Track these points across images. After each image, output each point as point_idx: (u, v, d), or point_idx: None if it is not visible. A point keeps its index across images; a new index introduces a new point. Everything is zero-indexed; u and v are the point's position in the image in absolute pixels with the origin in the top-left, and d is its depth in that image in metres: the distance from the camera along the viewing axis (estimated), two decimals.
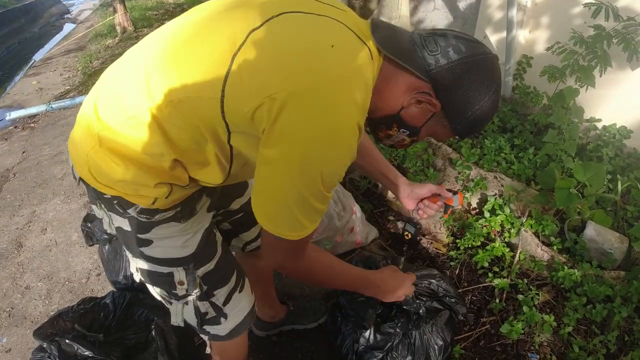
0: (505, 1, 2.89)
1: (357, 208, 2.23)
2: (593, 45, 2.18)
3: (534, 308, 1.82)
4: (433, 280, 1.79)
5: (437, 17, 3.45)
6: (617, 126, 2.60)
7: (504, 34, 2.93)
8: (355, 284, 1.24)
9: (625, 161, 2.50)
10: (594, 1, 2.15)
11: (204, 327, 1.18)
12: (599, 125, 2.68)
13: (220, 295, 1.15)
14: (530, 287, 1.99)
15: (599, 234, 2.11)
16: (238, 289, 1.20)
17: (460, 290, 2.05)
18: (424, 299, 1.74)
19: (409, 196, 1.35)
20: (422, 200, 1.36)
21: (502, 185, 2.36)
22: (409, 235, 1.52)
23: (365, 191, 2.68)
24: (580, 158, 2.58)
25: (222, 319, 1.18)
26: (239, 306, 1.21)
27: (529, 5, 2.72)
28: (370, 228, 2.36)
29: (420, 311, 1.68)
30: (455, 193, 1.36)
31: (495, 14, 2.96)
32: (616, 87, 2.51)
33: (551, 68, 2.43)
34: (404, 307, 1.69)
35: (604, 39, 2.14)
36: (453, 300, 1.77)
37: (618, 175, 2.29)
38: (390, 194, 2.56)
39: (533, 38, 2.88)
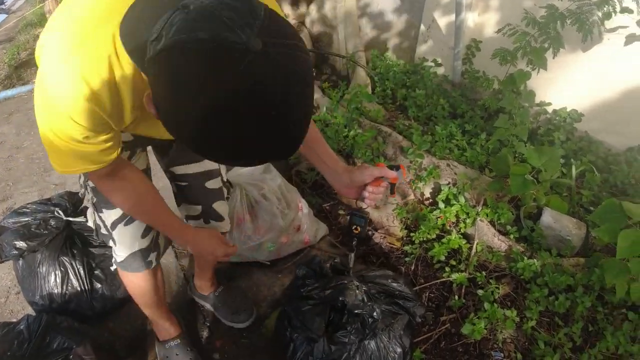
0: None
1: (303, 204, 2.01)
2: (546, 26, 2.08)
3: (495, 304, 1.69)
4: (387, 282, 1.62)
5: (383, 0, 3.30)
6: (568, 110, 2.55)
7: (453, 17, 2.81)
8: (165, 227, 1.24)
9: (577, 145, 2.45)
10: None
11: (102, 240, 1.31)
12: (549, 109, 2.63)
13: (107, 217, 1.23)
14: (490, 280, 1.86)
15: (556, 221, 2.02)
16: (124, 222, 1.23)
17: (417, 288, 1.88)
18: (380, 302, 1.55)
19: (350, 185, 1.19)
20: (365, 186, 1.20)
21: (456, 174, 2.23)
22: (358, 228, 1.34)
23: (312, 184, 2.46)
24: (531, 143, 2.50)
25: (112, 243, 1.28)
26: (123, 241, 1.27)
27: None
28: (319, 224, 2.15)
29: (375, 314, 1.49)
30: (397, 168, 1.22)
31: None
32: (566, 70, 2.45)
33: (502, 50, 2.32)
34: (356, 311, 1.49)
35: (557, 20, 2.05)
36: (410, 302, 1.60)
37: (572, 160, 2.22)
38: None
39: (482, 21, 2.79)
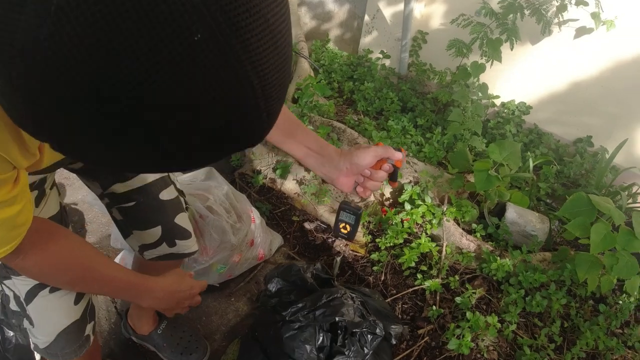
0: None
1: (255, 213, 1.74)
2: (504, 16, 2.00)
3: (476, 312, 1.55)
4: (363, 301, 1.40)
5: None
6: (516, 102, 2.53)
7: (399, 7, 2.69)
8: (122, 291, 0.93)
9: (528, 137, 2.43)
10: None
11: (12, 321, 1.03)
12: (497, 102, 2.60)
13: (20, 284, 0.89)
14: (464, 284, 1.73)
15: (520, 216, 1.96)
16: (47, 288, 0.90)
17: (389, 300, 1.70)
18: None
19: (349, 171, 0.91)
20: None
21: (416, 171, 2.09)
22: (347, 227, 1.06)
23: (260, 188, 2.19)
24: (482, 136, 2.44)
25: (27, 323, 0.94)
26: (46, 317, 0.93)
27: None
28: (272, 235, 1.89)
29: (377, 330, 1.28)
30: (398, 150, 0.98)
31: None
32: (514, 63, 2.42)
33: (458, 42, 2.22)
34: (354, 330, 1.26)
35: (516, 11, 1.98)
36: (389, 321, 1.41)
37: (528, 153, 2.18)
38: (291, 187, 2.12)
39: (428, 12, 2.69)
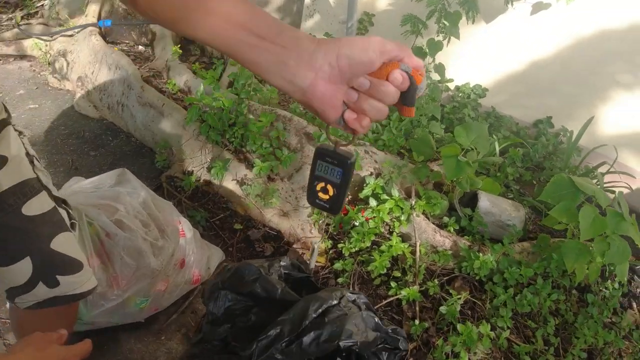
0: None
1: (184, 225, 1.36)
2: None
3: (467, 322, 1.29)
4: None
5: None
6: (471, 85, 2.36)
7: None
8: None
9: (487, 121, 2.26)
10: None
11: None
12: (451, 85, 2.41)
13: None
14: (446, 288, 1.48)
15: (493, 205, 1.75)
16: None
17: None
18: None
19: (332, 75, 0.51)
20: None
21: (376, 161, 1.82)
22: (330, 189, 0.61)
23: (192, 193, 1.81)
24: (440, 122, 2.24)
25: None
26: None
27: None
28: (210, 249, 1.52)
29: (401, 343, 0.94)
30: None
31: None
32: (467, 43, 2.24)
33: (412, 17, 1.99)
34: (370, 351, 0.91)
35: None
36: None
37: (493, 136, 1.99)
38: (231, 188, 1.75)
39: None
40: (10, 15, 4.02)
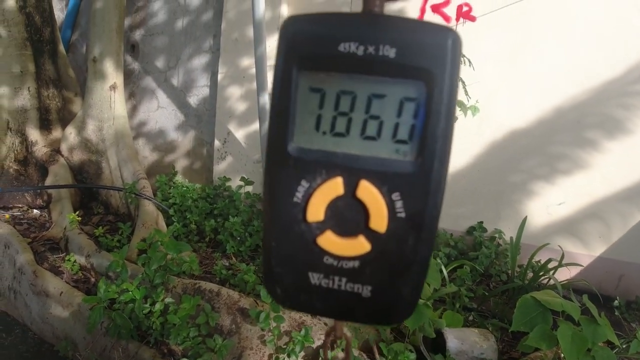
0: (247, 90, 2.39)
1: None
2: None
3: None
4: None
5: (163, 116, 2.70)
6: None
7: (253, 126, 2.41)
8: None
9: None
10: None
11: None
12: None
13: None
14: None
15: (462, 341, 1.61)
16: None
17: None
18: None
19: None
20: None
21: (326, 324, 1.61)
22: None
23: None
24: None
25: None
26: None
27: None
28: None
29: None
30: None
31: (237, 106, 2.43)
32: None
33: None
34: None
35: None
36: None
37: (437, 259, 1.90)
38: None
39: None
40: None
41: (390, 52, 0.29)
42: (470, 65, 1.81)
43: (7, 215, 2.56)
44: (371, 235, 0.31)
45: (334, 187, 0.31)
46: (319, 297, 0.32)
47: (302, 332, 1.42)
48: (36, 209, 2.75)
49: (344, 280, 0.31)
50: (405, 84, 0.30)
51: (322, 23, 0.31)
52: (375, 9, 0.31)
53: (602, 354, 1.37)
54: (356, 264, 0.31)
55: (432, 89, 0.29)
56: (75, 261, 2.01)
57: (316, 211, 0.31)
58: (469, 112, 1.94)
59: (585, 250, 2.15)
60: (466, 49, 1.88)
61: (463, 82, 1.84)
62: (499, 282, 2.11)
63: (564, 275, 2.03)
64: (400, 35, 0.29)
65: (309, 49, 0.30)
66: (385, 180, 0.31)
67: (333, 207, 0.31)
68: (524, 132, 2.10)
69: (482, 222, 2.25)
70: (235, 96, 2.42)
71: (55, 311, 1.80)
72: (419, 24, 0.30)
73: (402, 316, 0.32)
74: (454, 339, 1.58)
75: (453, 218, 2.28)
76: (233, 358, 1.44)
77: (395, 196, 0.31)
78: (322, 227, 0.31)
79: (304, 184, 0.31)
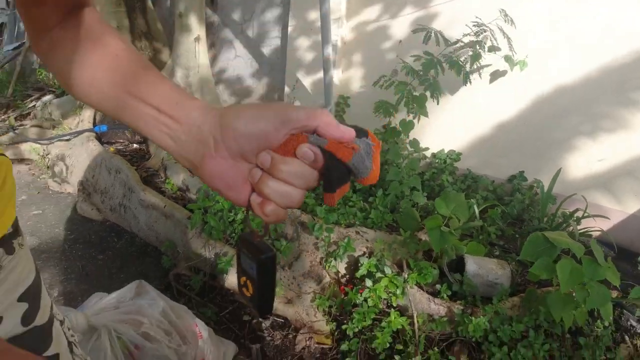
0: (314, 42, 2.69)
1: (200, 326, 1.48)
2: (425, 72, 2.05)
3: None
4: None
5: (240, 64, 3.08)
6: (446, 151, 2.58)
7: (318, 75, 2.71)
8: None
9: (465, 183, 2.45)
10: (421, 27, 2.07)
11: None
12: (427, 153, 2.63)
13: None
14: (445, 355, 1.58)
15: (480, 267, 1.89)
16: None
17: None
18: None
19: (224, 150, 0.43)
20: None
21: (367, 240, 1.98)
22: (249, 285, 0.49)
23: (200, 289, 1.93)
24: (422, 189, 2.43)
25: None
26: None
27: (339, 45, 2.56)
28: (224, 345, 1.63)
29: None
30: (360, 133, 0.43)
31: (306, 56, 2.74)
32: (437, 114, 2.49)
33: (384, 103, 2.23)
34: None
35: (435, 65, 2.04)
36: None
37: (471, 200, 2.17)
38: (236, 281, 1.89)
39: (347, 77, 2.74)
40: (2, 117, 4.20)
41: None
42: (512, 25, 1.96)
43: (112, 149, 3.13)
44: (251, 289, 0.49)
45: None
46: None
47: (345, 240, 1.81)
48: (136, 143, 3.31)
49: None
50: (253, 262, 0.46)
51: None
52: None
53: (597, 289, 1.55)
54: None
55: None
56: (173, 183, 2.51)
57: None
58: (517, 67, 2.11)
59: (619, 207, 2.30)
60: (517, 6, 2.05)
61: (508, 38, 2.00)
62: (531, 227, 2.34)
63: (591, 225, 2.21)
64: None
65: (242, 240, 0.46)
66: None
67: None
68: (569, 89, 2.23)
69: (522, 172, 2.46)
70: (303, 47, 2.73)
71: (159, 220, 2.31)
72: None
73: None
74: (473, 263, 1.89)
75: (496, 166, 2.50)
76: (293, 257, 1.87)
77: None
78: None
79: None
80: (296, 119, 0.41)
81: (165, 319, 1.37)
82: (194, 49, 2.79)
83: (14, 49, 5.72)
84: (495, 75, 2.30)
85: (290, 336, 1.74)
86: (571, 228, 2.16)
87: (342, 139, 0.41)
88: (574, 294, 1.61)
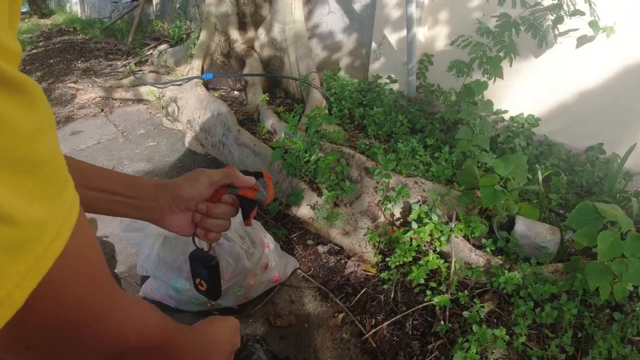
0: (399, 0, 2.78)
1: (268, 239, 1.86)
2: (501, 34, 2.08)
3: (483, 325, 1.59)
4: None
5: (332, 20, 3.28)
6: (525, 115, 2.57)
7: (403, 32, 2.81)
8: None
9: (538, 149, 2.45)
10: None
11: None
12: (506, 116, 2.64)
13: None
14: (473, 299, 1.77)
15: (529, 229, 1.98)
16: None
17: (399, 316, 1.76)
18: None
19: (176, 208, 0.68)
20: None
21: (424, 190, 2.16)
22: (203, 284, 0.77)
23: (276, 215, 2.32)
24: (492, 151, 2.49)
25: None
26: None
27: (426, 3, 2.62)
28: (287, 259, 2.00)
29: None
30: (259, 175, 0.75)
31: (393, 13, 2.84)
32: (520, 77, 2.47)
33: (458, 62, 2.31)
34: None
35: (511, 27, 2.06)
36: None
37: (537, 165, 2.20)
38: (305, 212, 2.23)
39: (432, 35, 2.80)
40: (124, 62, 4.91)
41: None
42: (586, 2, 1.86)
43: (216, 94, 3.59)
44: (205, 285, 0.77)
45: None
46: None
47: (400, 186, 2.02)
48: (236, 90, 3.74)
49: None
50: (204, 268, 0.73)
51: None
52: None
53: (636, 266, 1.57)
54: None
55: None
56: (264, 127, 2.89)
57: None
58: (605, 34, 2.01)
59: None
60: None
61: (590, 2, 1.91)
62: (596, 200, 2.29)
63: None
64: None
65: (192, 257, 0.68)
66: None
67: None
68: None
69: (601, 144, 2.37)
70: (391, 4, 2.83)
71: (249, 156, 2.72)
72: None
73: None
74: (522, 224, 1.98)
75: (574, 135, 2.44)
76: (355, 197, 2.15)
77: None
78: None
79: None
80: (217, 180, 0.69)
81: (241, 227, 1.77)
82: (290, 5, 3.05)
83: (132, 0, 6.41)
84: (582, 41, 2.20)
85: (343, 261, 2.06)
86: (632, 204, 2.09)
87: (247, 186, 0.70)
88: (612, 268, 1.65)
